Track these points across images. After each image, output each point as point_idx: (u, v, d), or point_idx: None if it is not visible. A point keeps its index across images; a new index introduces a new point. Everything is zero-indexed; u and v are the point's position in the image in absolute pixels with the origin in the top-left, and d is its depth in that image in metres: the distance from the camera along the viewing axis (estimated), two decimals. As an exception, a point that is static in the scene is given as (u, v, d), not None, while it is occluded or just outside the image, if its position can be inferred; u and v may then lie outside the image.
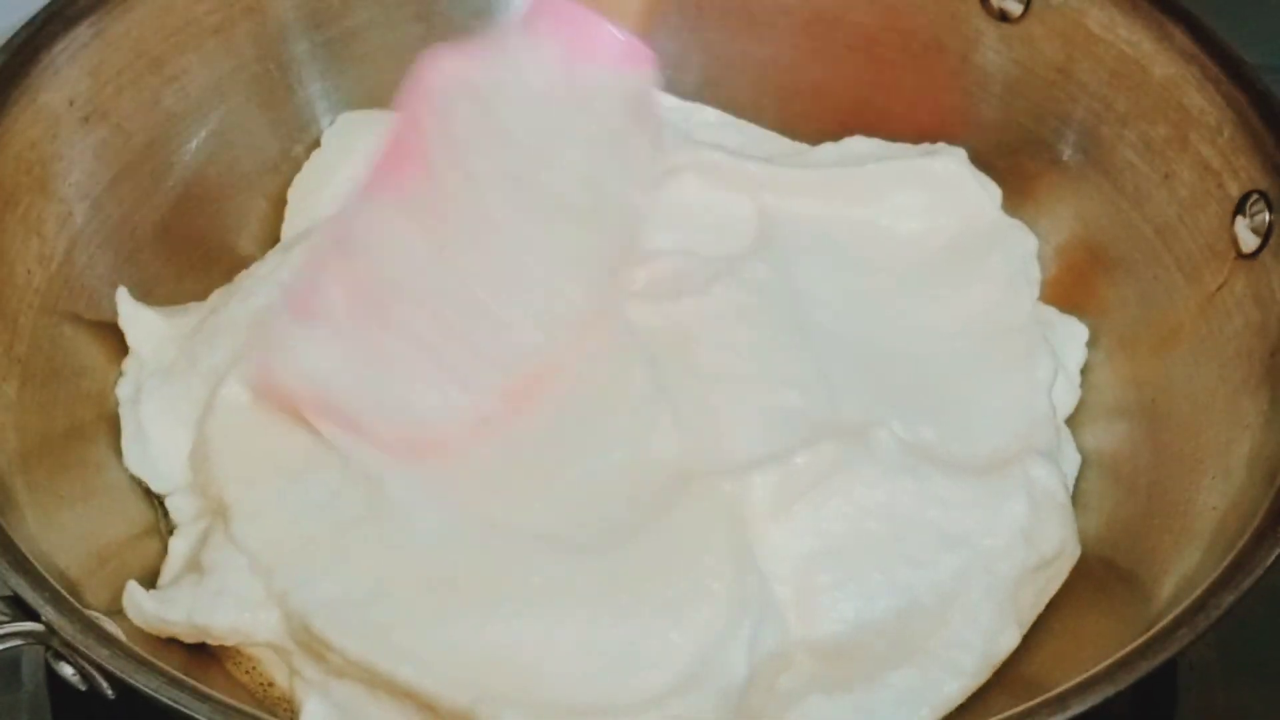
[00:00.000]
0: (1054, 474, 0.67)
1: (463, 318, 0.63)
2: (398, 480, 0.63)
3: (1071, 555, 0.66)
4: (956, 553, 0.63)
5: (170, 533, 0.68)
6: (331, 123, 0.83)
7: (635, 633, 0.59)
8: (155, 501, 0.70)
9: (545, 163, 0.62)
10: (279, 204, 0.81)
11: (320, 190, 0.80)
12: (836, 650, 0.61)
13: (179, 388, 0.70)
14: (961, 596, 0.62)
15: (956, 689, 0.61)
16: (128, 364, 0.73)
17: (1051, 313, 0.76)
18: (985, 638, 0.62)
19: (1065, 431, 0.72)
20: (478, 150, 0.63)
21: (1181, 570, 0.60)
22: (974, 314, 0.73)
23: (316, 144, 0.83)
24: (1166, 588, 0.60)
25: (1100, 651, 0.55)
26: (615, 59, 0.62)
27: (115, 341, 0.73)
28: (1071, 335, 0.75)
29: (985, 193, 0.78)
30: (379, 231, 0.64)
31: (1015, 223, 0.77)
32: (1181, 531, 0.63)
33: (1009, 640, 0.63)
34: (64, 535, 0.62)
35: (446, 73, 0.64)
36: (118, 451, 0.70)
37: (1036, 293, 0.76)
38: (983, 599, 0.62)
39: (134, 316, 0.73)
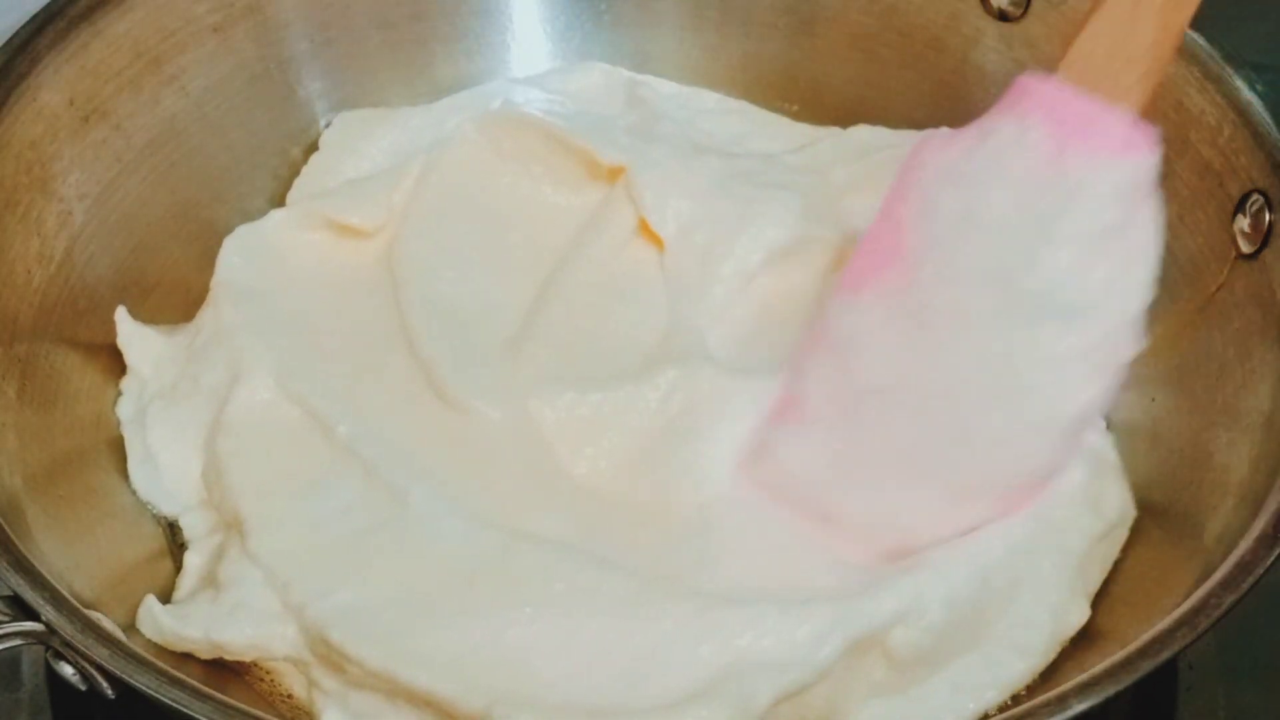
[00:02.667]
0: (1104, 438, 0.67)
1: (946, 423, 0.60)
2: (420, 489, 0.63)
3: (1130, 518, 0.66)
4: (1025, 525, 0.62)
5: (182, 548, 0.68)
6: (328, 124, 0.83)
7: (657, 640, 0.58)
8: (164, 521, 0.69)
9: (1031, 260, 0.57)
10: (279, 205, 0.81)
11: (321, 191, 0.80)
12: (917, 658, 0.60)
13: (185, 410, 0.70)
14: (1031, 574, 0.61)
15: (1024, 669, 0.60)
16: (126, 383, 0.72)
17: None
18: (1054, 615, 0.61)
19: None
20: (960, 244, 0.59)
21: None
22: None
23: (314, 147, 0.83)
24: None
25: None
26: (1111, 144, 0.56)
27: (113, 360, 0.72)
28: None
29: None
30: (860, 330, 0.61)
31: None
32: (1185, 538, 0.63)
33: (1078, 615, 0.62)
34: (75, 564, 0.62)
35: (932, 160, 0.60)
36: (122, 474, 0.70)
37: None
38: (1052, 573, 0.62)
39: (133, 335, 0.72)
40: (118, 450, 0.70)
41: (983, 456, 0.60)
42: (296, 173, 0.82)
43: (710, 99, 0.85)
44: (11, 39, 0.71)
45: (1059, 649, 0.62)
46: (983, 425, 0.59)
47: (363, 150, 0.82)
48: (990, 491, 0.61)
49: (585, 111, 0.81)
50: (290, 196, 0.81)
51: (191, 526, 0.68)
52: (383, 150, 0.81)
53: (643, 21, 0.87)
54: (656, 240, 0.74)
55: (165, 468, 0.69)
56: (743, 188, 0.74)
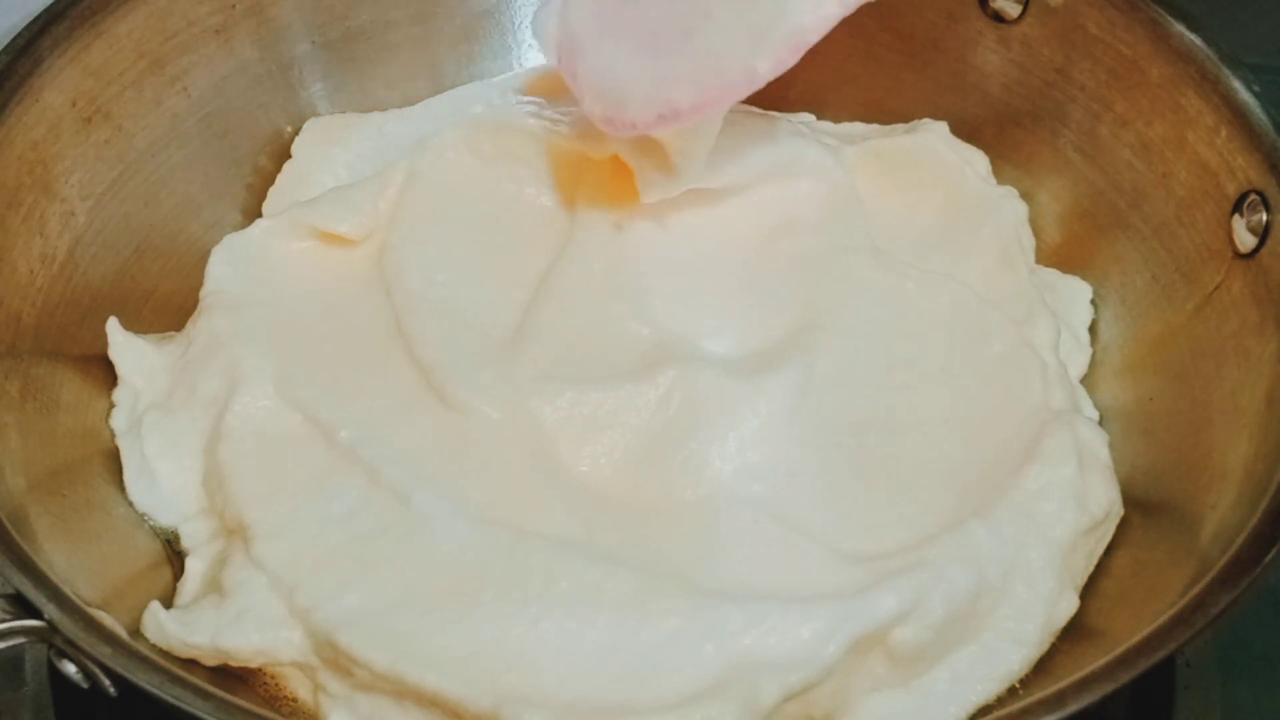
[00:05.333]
0: (1098, 435, 0.68)
1: (688, 11, 0.66)
2: (424, 491, 0.63)
3: (1117, 515, 0.67)
4: (1014, 520, 0.63)
5: (180, 555, 0.68)
6: (296, 131, 0.83)
7: (662, 637, 0.58)
8: (161, 534, 0.69)
9: None
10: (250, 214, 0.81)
11: (298, 199, 0.79)
12: (918, 654, 0.60)
13: (182, 420, 0.69)
14: (1021, 566, 0.62)
15: (1019, 659, 0.61)
16: (119, 394, 0.72)
17: (1053, 275, 0.77)
18: (1045, 604, 0.62)
19: (1081, 390, 0.73)
20: None
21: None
22: (972, 285, 0.73)
23: (284, 154, 0.82)
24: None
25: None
26: None
27: (107, 371, 0.72)
28: (1075, 295, 0.76)
29: (968, 164, 0.78)
30: None
31: (1005, 190, 0.78)
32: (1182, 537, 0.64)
33: (1068, 605, 0.63)
34: (78, 567, 0.61)
35: None
36: (118, 486, 0.69)
37: (1032, 259, 0.77)
38: (1041, 565, 0.62)
39: (125, 346, 0.72)
40: (113, 462, 0.70)
41: (700, 46, 0.66)
42: (268, 180, 0.82)
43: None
44: (14, 40, 0.71)
45: (1051, 639, 0.62)
46: (714, 19, 0.65)
47: (337, 157, 0.82)
48: (694, 84, 0.67)
49: (567, 111, 0.80)
50: (267, 205, 0.81)
51: (191, 535, 0.68)
52: (359, 156, 0.82)
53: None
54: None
55: (163, 477, 0.69)
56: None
